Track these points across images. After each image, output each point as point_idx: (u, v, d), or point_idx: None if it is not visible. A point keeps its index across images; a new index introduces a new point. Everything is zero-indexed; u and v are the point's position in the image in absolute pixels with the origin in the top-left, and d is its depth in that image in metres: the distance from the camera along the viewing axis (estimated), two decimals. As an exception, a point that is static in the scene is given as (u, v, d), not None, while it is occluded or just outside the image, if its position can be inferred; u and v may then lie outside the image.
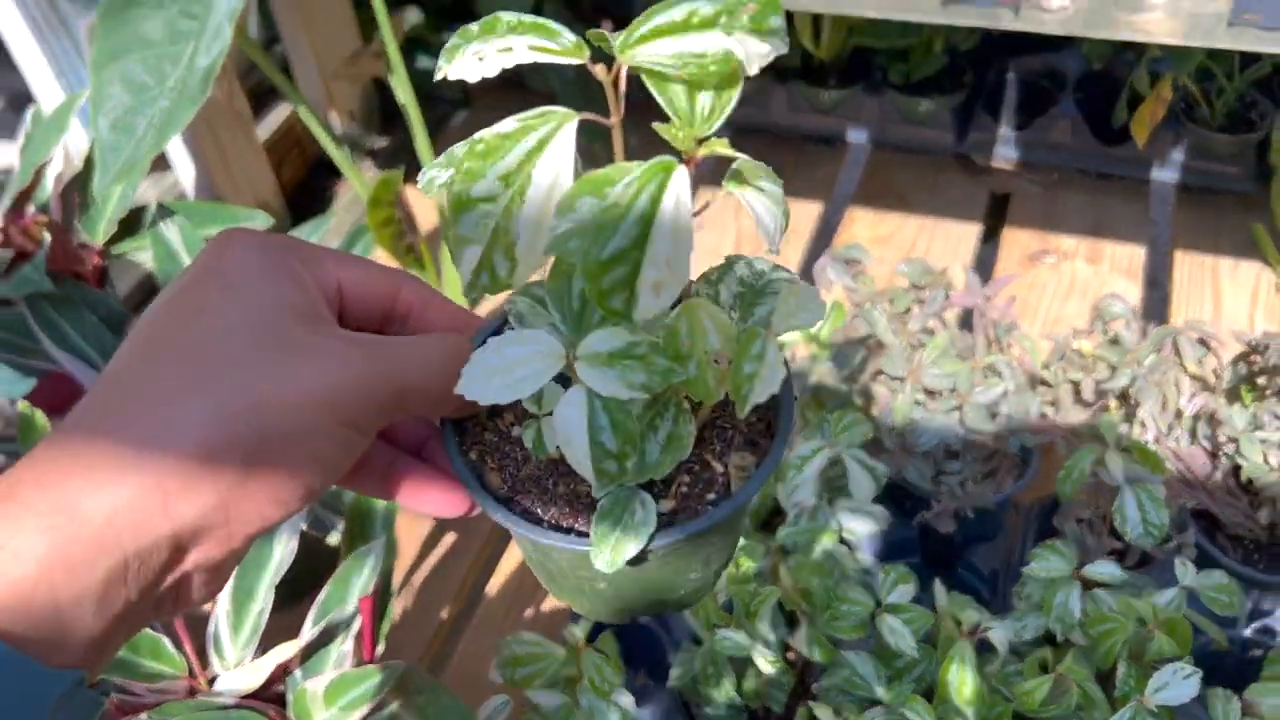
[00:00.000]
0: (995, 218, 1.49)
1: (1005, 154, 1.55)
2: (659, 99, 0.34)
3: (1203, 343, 0.97)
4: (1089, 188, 1.51)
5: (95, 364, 0.95)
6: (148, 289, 1.25)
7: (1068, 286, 1.37)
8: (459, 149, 0.36)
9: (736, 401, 0.34)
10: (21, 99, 1.85)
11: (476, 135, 0.33)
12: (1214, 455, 0.92)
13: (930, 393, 0.96)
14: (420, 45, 1.58)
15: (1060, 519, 0.92)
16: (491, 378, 0.34)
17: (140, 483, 0.30)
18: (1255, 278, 1.35)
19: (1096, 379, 0.96)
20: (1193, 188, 1.48)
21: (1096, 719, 0.76)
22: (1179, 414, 0.94)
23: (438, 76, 0.34)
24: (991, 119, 1.54)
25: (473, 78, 0.33)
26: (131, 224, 1.10)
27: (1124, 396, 0.96)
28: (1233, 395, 0.95)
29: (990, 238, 1.47)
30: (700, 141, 0.34)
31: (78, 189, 1.10)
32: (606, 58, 0.34)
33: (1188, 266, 1.38)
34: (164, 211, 1.02)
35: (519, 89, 1.70)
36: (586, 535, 0.36)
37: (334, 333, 0.35)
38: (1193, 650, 0.90)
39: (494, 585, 1.12)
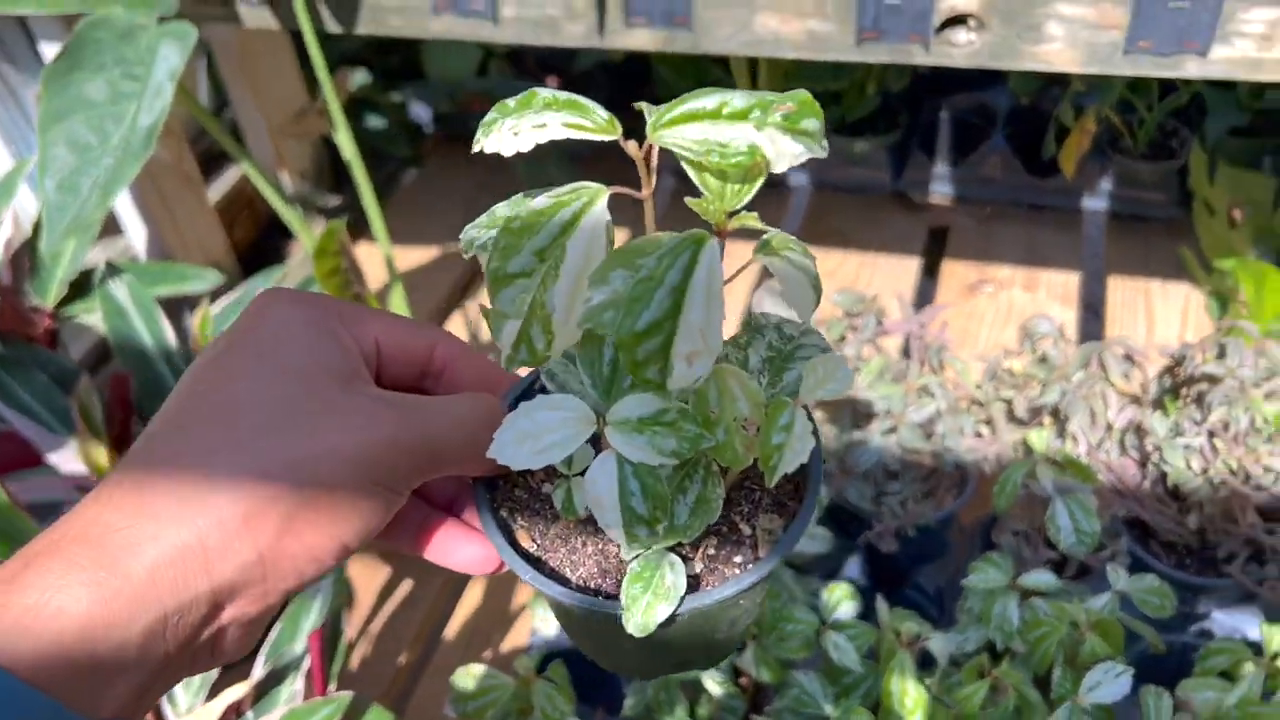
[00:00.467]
0: (934, 251, 1.54)
1: (941, 190, 1.59)
2: (691, 175, 0.36)
3: (1129, 358, 1.00)
4: (1023, 219, 1.56)
5: (47, 423, 0.96)
6: (100, 351, 1.26)
7: (1005, 314, 1.41)
8: (501, 210, 0.38)
9: (765, 471, 0.35)
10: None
11: (511, 212, 0.34)
12: (1143, 465, 0.95)
13: (867, 415, 0.98)
14: (368, 105, 1.62)
15: (997, 533, 0.94)
16: (523, 443, 0.35)
17: (182, 540, 0.31)
18: (1185, 298, 1.39)
19: (1028, 397, 0.99)
20: (1122, 215, 1.53)
21: (1036, 722, 0.77)
22: (1109, 427, 0.97)
23: (475, 149, 0.36)
24: (926, 157, 1.59)
25: (508, 152, 0.34)
26: (82, 286, 1.12)
27: (1055, 413, 0.99)
28: (1158, 407, 0.98)
29: (930, 271, 1.51)
30: (730, 215, 0.35)
31: (28, 253, 1.11)
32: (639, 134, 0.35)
33: (1121, 290, 1.42)
34: (112, 270, 1.04)
35: (467, 143, 1.73)
36: (615, 597, 0.37)
37: (371, 392, 0.36)
38: (1132, 656, 0.93)
39: (451, 629, 1.13)
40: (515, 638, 1.10)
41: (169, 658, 0.32)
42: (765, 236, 0.35)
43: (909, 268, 1.49)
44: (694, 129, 0.33)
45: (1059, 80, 1.53)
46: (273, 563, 0.33)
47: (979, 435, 1.00)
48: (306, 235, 1.04)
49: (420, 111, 1.74)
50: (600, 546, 0.39)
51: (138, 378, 0.98)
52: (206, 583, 0.32)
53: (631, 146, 0.35)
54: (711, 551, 0.38)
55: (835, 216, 1.60)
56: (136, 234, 1.32)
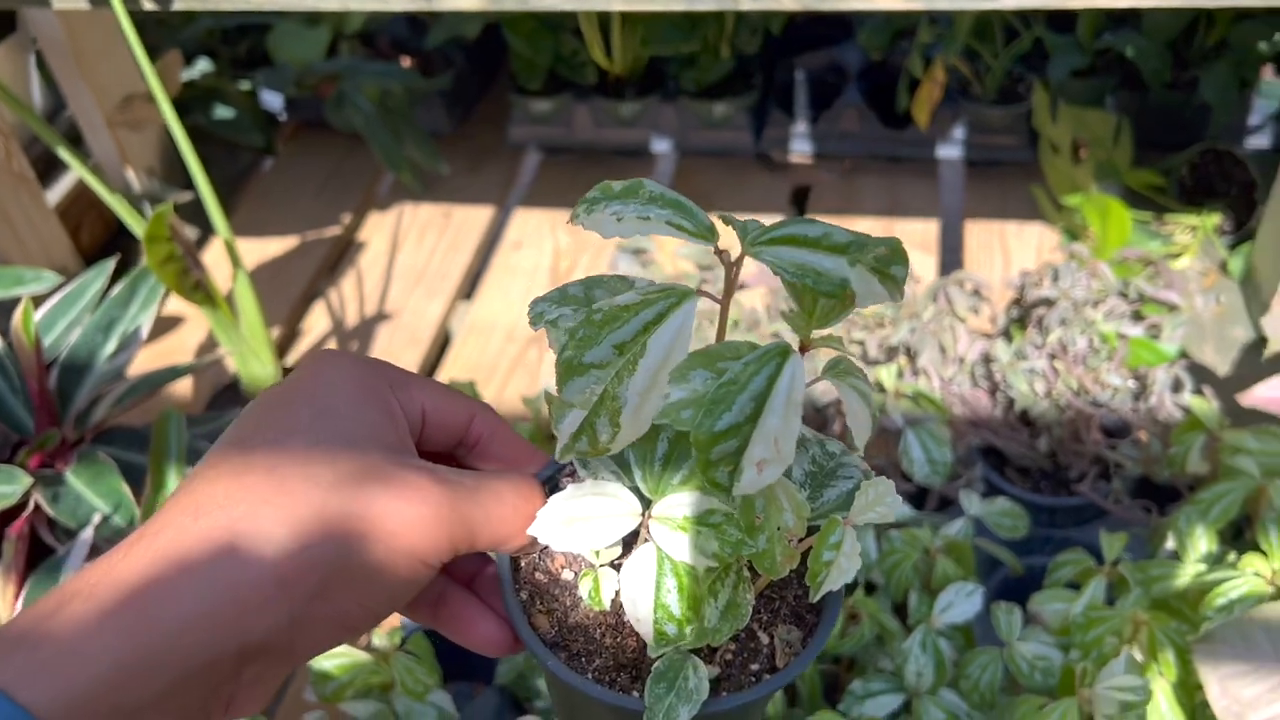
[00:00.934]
0: (798, 208, 1.55)
1: (801, 148, 1.61)
2: (787, 290, 0.36)
3: (976, 292, 1.02)
4: (882, 171, 1.58)
5: None
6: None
7: (870, 265, 1.43)
8: (573, 290, 0.38)
9: (811, 586, 0.35)
10: None
11: (596, 305, 0.34)
12: (993, 394, 0.97)
13: (724, 366, 0.98)
14: (216, 95, 1.57)
15: (855, 470, 0.95)
16: (570, 525, 0.35)
17: (217, 596, 0.31)
18: (1039, 237, 1.43)
19: (880, 337, 1.00)
20: (976, 161, 1.56)
21: (897, 648, 0.78)
22: (960, 360, 0.99)
23: (573, 222, 0.35)
24: (785, 116, 1.60)
25: (607, 235, 0.34)
26: (-94, 294, 1.06)
27: (908, 350, 1.00)
28: (1006, 337, 1.00)
29: (795, 228, 1.52)
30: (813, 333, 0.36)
31: None
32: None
33: (979, 234, 1.45)
34: (-69, 273, 0.99)
35: (322, 128, 1.70)
36: (628, 693, 0.37)
37: (416, 464, 0.36)
38: (995, 581, 0.94)
39: (326, 618, 1.10)
40: (388, 622, 1.08)
41: (184, 713, 0.31)
42: (838, 358, 0.36)
43: (774, 226, 1.50)
44: (793, 252, 0.33)
45: (907, 33, 1.55)
46: (303, 628, 0.32)
47: (836, 378, 1.00)
48: (136, 222, 1.00)
49: (271, 99, 1.69)
50: (619, 640, 0.39)
51: (-37, 382, 0.93)
52: (235, 642, 0.31)
53: (725, 259, 0.35)
54: (729, 657, 0.38)
55: (700, 180, 1.60)
56: (-31, 240, 1.26)
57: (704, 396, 0.32)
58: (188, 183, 1.58)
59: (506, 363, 1.37)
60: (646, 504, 0.36)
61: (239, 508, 0.32)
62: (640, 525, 0.36)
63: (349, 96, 1.51)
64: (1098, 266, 0.91)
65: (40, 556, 0.86)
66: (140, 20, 0.96)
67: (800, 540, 0.37)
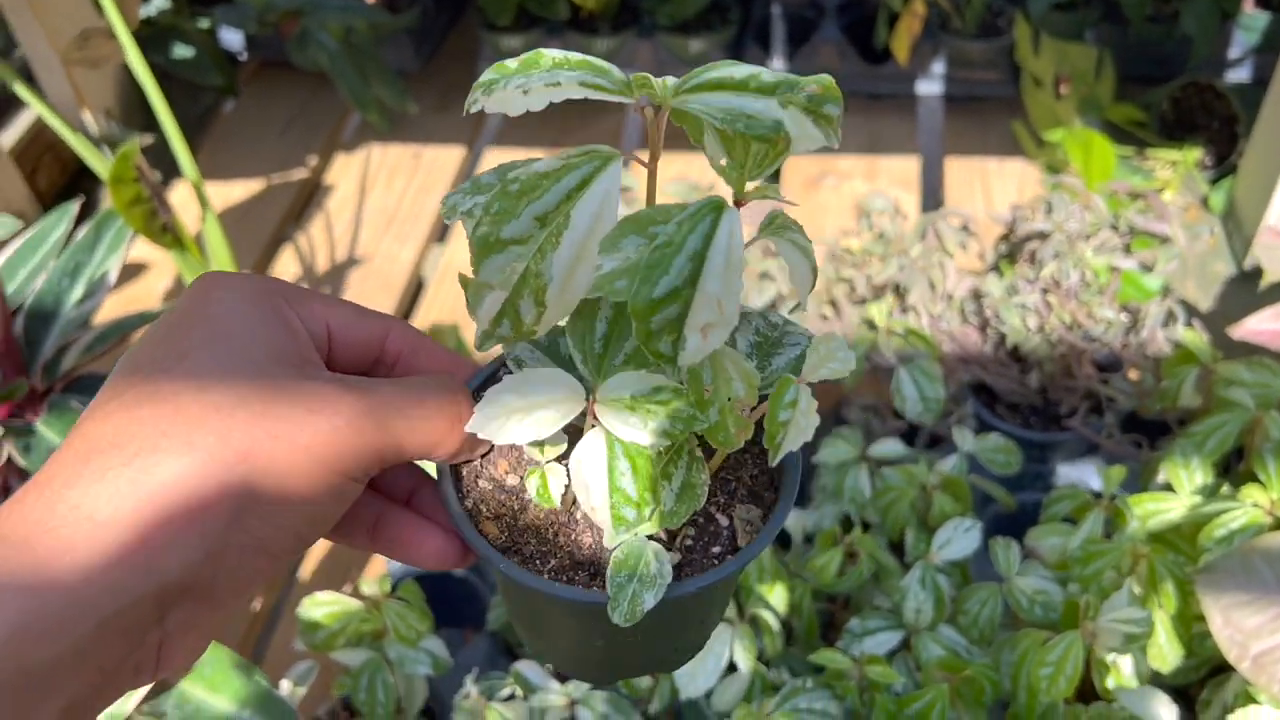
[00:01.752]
0: (776, 147, 1.52)
1: (779, 85, 1.58)
2: (707, 143, 0.34)
3: (965, 227, 1.01)
4: (861, 108, 1.56)
5: None
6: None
7: (849, 205, 1.41)
8: (486, 178, 0.35)
9: (770, 449, 0.34)
10: None
11: (510, 174, 0.32)
12: (983, 330, 0.96)
13: (712, 306, 0.97)
14: (175, 33, 1.51)
15: (846, 409, 0.94)
16: (509, 417, 0.33)
17: (120, 540, 0.28)
18: (1020, 173, 1.41)
19: (869, 275, 0.99)
20: (957, 96, 1.54)
21: (894, 585, 0.78)
22: (949, 297, 0.98)
23: (473, 110, 0.32)
24: (762, 52, 1.57)
25: (515, 111, 0.31)
26: None
27: (896, 288, 0.99)
28: (995, 273, 0.99)
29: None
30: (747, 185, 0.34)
31: None
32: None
33: (959, 171, 1.44)
34: (-116, 218, 0.95)
35: (285, 68, 1.64)
36: (588, 589, 0.35)
37: (325, 376, 0.33)
38: (988, 518, 0.94)
39: (306, 570, 1.08)
40: (374, 570, 1.06)
41: (107, 672, 0.29)
42: (774, 214, 0.35)
43: (752, 165, 1.47)
44: (720, 98, 0.31)
45: (886, -35, 1.52)
46: (221, 560, 0.30)
47: (824, 318, 0.99)
48: (99, 162, 0.96)
49: (231, 38, 1.64)
50: (573, 538, 0.37)
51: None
52: (150, 584, 0.29)
53: (648, 112, 0.32)
54: (689, 543, 0.37)
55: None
56: (-80, 185, 1.21)
57: (638, 263, 0.30)
58: (146, 125, 1.53)
59: (483, 307, 1.34)
60: (590, 391, 0.34)
61: (133, 444, 0.30)
62: (585, 411, 0.34)
63: (312, 34, 1.46)
64: (1091, 199, 0.90)
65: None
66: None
67: (753, 410, 0.35)
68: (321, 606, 0.78)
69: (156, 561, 0.29)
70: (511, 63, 0.33)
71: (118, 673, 0.30)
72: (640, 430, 0.33)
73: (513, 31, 1.58)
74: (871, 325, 0.91)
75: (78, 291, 0.95)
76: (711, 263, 0.30)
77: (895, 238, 0.97)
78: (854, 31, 1.55)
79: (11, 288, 0.95)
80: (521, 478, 0.38)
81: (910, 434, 0.97)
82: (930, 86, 1.54)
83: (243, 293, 0.34)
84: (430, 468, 0.39)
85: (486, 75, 0.33)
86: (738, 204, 0.32)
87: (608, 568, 0.35)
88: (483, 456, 0.39)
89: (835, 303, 0.99)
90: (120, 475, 0.29)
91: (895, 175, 1.44)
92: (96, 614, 0.28)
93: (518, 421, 0.33)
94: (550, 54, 0.33)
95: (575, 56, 0.33)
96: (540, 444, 0.37)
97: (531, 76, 0.32)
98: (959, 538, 0.75)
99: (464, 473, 0.39)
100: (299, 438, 0.31)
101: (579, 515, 0.38)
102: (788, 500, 0.38)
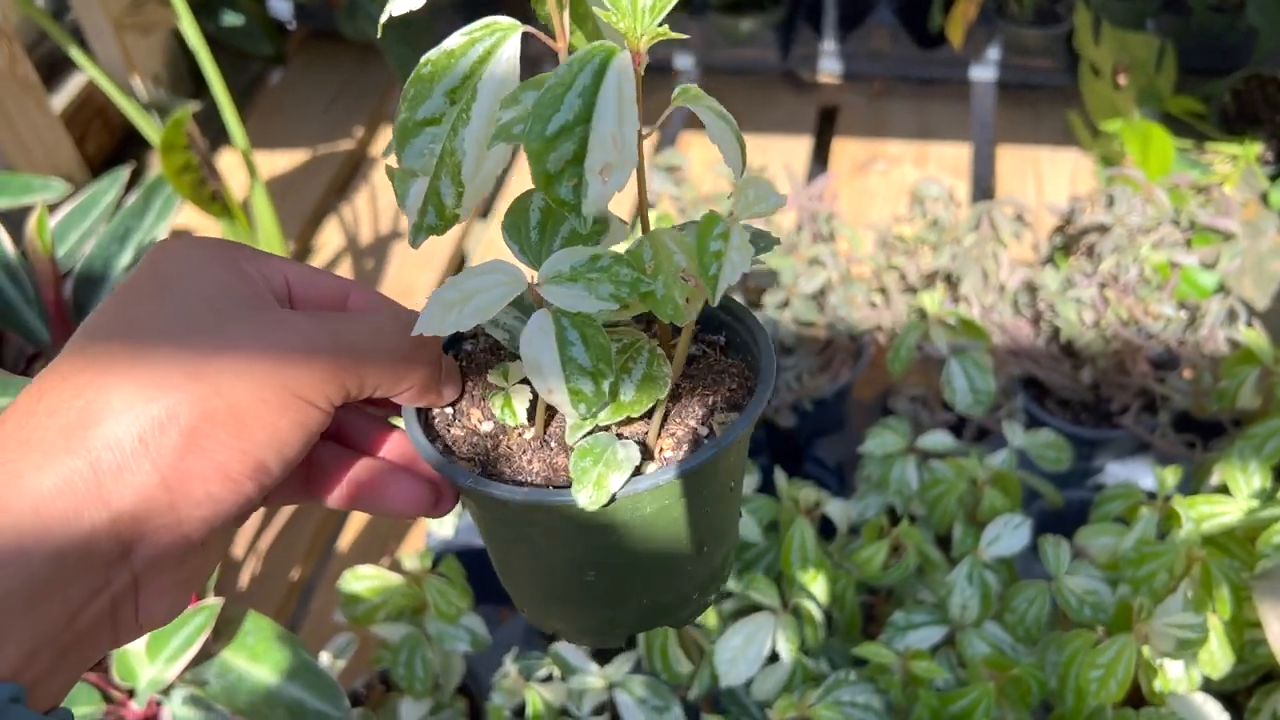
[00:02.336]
0: (824, 131, 1.50)
1: (829, 68, 1.56)
2: None
3: (1019, 217, 0.99)
4: (912, 94, 1.53)
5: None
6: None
7: (898, 191, 1.39)
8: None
9: (706, 284, 0.33)
10: None
11: (423, 58, 0.32)
12: (1036, 323, 0.95)
13: (759, 290, 0.95)
14: (226, 1, 1.51)
15: (893, 399, 0.93)
16: (449, 311, 0.32)
17: (69, 466, 0.28)
18: (1073, 164, 1.39)
19: (920, 263, 0.97)
20: (1010, 84, 1.51)
21: (939, 580, 0.77)
22: (1001, 288, 0.96)
23: (384, 19, 0.33)
24: (814, 34, 1.55)
25: (416, 4, 0.32)
26: (-90, 200, 1.02)
27: (948, 277, 0.97)
28: (1050, 264, 0.97)
29: (821, 150, 1.48)
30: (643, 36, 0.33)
31: None
32: None
33: (1010, 159, 1.41)
34: (-61, 178, 0.95)
35: (333, 38, 1.64)
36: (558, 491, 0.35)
37: (281, 309, 0.33)
38: (1032, 514, 0.92)
39: (344, 542, 1.09)
40: (412, 544, 1.06)
41: (74, 610, 0.28)
42: (682, 85, 0.34)
43: (800, 149, 1.46)
44: None
45: (943, -52, 1.49)
46: (179, 485, 0.29)
47: (873, 305, 0.98)
48: (152, 130, 0.96)
49: (281, 6, 1.63)
50: (549, 460, 0.36)
51: (-26, 292, 0.90)
52: (104, 512, 0.28)
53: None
54: (669, 454, 0.36)
55: (724, 99, 1.53)
56: (-28, 147, 1.21)
57: (533, 107, 0.30)
58: (193, 92, 1.53)
59: (525, 284, 1.34)
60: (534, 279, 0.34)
61: (84, 381, 0.29)
62: (528, 293, 0.33)
63: (362, 5, 1.46)
64: (1153, 192, 0.88)
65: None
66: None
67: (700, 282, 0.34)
68: (363, 580, 0.78)
69: (107, 488, 0.28)
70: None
71: (89, 615, 0.29)
72: (585, 299, 0.32)
73: (562, 7, 1.57)
74: (922, 314, 0.89)
75: (126, 256, 0.96)
76: (604, 98, 0.30)
77: (949, 226, 0.96)
78: (907, 14, 1.53)
79: (62, 251, 0.95)
80: (494, 420, 0.38)
81: (957, 426, 0.96)
82: (984, 73, 1.52)
83: (200, 250, 0.34)
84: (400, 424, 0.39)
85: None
86: (635, 57, 0.32)
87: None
88: (453, 405, 0.38)
89: (885, 290, 0.98)
90: (70, 408, 0.29)
91: (945, 162, 1.42)
92: (50, 543, 0.27)
93: (457, 314, 0.32)
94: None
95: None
96: (504, 371, 0.37)
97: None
98: (1008, 534, 0.74)
99: (435, 423, 0.38)
100: (257, 363, 0.30)
101: (552, 441, 0.37)
102: (765, 388, 0.37)
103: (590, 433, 0.35)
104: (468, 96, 0.32)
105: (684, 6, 1.55)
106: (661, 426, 0.37)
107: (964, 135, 1.46)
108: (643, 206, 0.36)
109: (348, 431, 0.38)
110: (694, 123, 1.52)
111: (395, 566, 0.90)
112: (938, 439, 0.83)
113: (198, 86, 1.52)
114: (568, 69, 0.30)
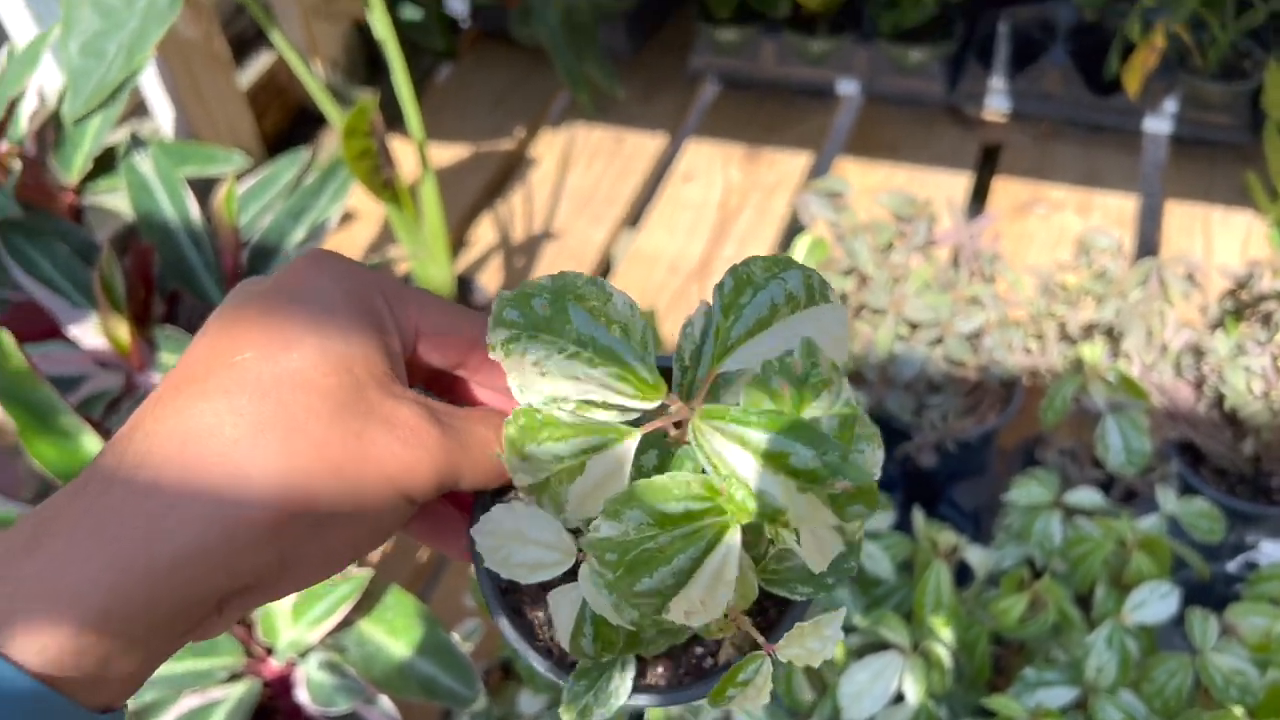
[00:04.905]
0: (986, 169, 1.48)
1: (996, 105, 1.53)
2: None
3: (1189, 277, 0.96)
4: (1081, 139, 1.49)
5: (66, 293, 0.93)
6: (124, 236, 1.23)
7: (1057, 237, 1.36)
8: (539, 306, 0.34)
9: (712, 702, 0.34)
10: None
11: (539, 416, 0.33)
12: (1198, 387, 0.91)
13: (912, 325, 0.94)
14: (405, -5, 1.57)
15: (1042, 449, 0.91)
16: (499, 550, 0.34)
17: (209, 535, 0.29)
18: (1246, 227, 1.33)
19: (1081, 313, 0.95)
20: (1186, 138, 1.46)
21: (1075, 639, 0.75)
22: (1164, 348, 0.93)
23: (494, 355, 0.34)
24: (983, 69, 1.52)
25: (526, 398, 0.33)
26: (106, 165, 1.08)
27: (1109, 331, 0.95)
28: (1218, 328, 0.93)
29: (981, 188, 1.46)
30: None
31: (53, 127, 1.08)
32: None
33: (1179, 216, 1.36)
34: (137, 144, 1.01)
35: (503, 40, 1.68)
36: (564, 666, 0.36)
37: (410, 398, 0.33)
38: (1175, 582, 0.89)
39: (474, 527, 1.11)
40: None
41: (164, 651, 0.30)
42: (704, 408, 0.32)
43: (958, 184, 1.44)
44: (749, 463, 0.30)
45: (1128, -7, 1.45)
46: (291, 567, 0.31)
47: (1028, 351, 0.96)
48: (335, 113, 1.00)
49: (457, 4, 1.69)
50: None
51: (161, 253, 0.95)
52: (224, 583, 0.29)
53: (674, 431, 0.34)
54: (661, 669, 0.37)
55: (885, 128, 1.54)
56: (164, 116, 1.28)
57: (630, 546, 0.30)
58: (366, 80, 1.59)
59: (668, 296, 1.35)
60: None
61: (231, 431, 0.30)
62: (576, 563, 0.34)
63: (536, 9, 1.49)
64: (1342, 264, 0.84)
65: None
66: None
67: (741, 615, 0.35)
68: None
69: (236, 562, 0.29)
70: (540, 301, 0.32)
71: (166, 649, 0.30)
72: (610, 610, 0.32)
73: (730, 24, 1.58)
74: (1080, 366, 0.87)
75: (299, 233, 1.00)
76: (698, 578, 0.30)
77: (1115, 279, 0.93)
78: (1083, 58, 1.49)
79: (242, 221, 1.00)
80: None
81: (1105, 484, 0.93)
82: (1158, 124, 1.47)
83: (345, 284, 0.34)
84: None
85: (508, 312, 0.32)
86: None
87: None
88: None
89: (1042, 337, 0.96)
90: (216, 467, 0.29)
91: (1110, 211, 1.38)
92: (174, 601, 0.29)
93: (504, 556, 0.34)
94: (579, 319, 0.32)
95: (603, 342, 0.32)
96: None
97: (553, 348, 0.32)
98: (1155, 601, 0.72)
99: (508, 494, 0.39)
100: (386, 466, 0.31)
101: None
102: (707, 684, 0.36)
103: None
104: (574, 468, 0.33)
105: (854, 30, 1.54)
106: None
107: (1132, 186, 1.42)
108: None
109: None
110: (853, 147, 1.51)
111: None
112: (1086, 496, 0.81)
113: (371, 75, 1.58)
114: (670, 542, 0.30)
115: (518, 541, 0.34)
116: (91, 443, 0.80)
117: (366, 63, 1.58)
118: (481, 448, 0.34)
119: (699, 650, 0.37)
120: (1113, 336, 0.93)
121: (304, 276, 0.33)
